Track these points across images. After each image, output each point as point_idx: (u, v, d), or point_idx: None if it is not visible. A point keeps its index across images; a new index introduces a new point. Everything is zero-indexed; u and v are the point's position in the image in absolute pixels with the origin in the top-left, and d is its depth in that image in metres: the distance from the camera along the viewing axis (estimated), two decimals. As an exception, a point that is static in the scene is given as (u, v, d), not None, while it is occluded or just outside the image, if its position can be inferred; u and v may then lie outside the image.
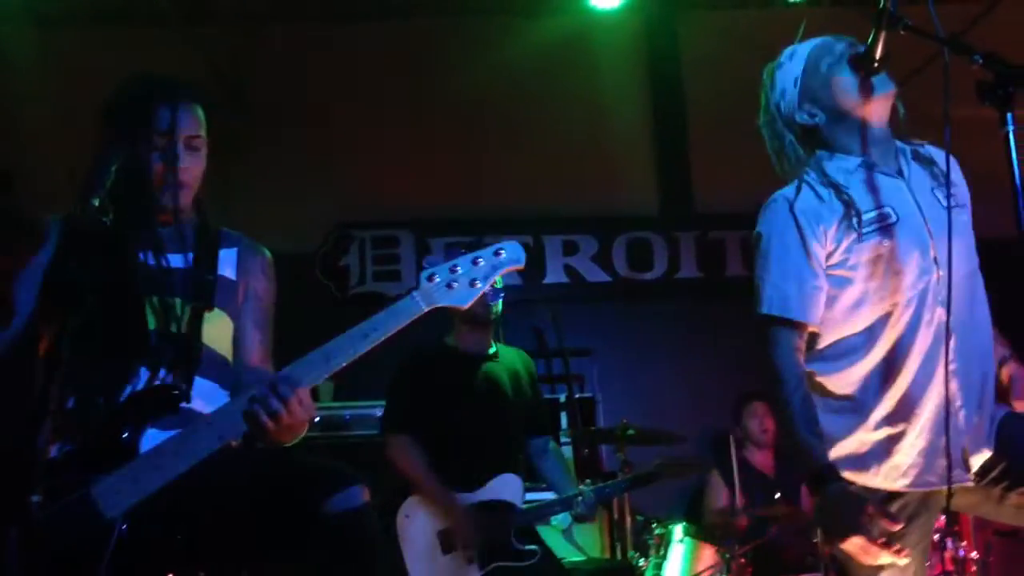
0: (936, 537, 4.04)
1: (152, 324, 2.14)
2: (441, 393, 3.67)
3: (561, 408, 5.19)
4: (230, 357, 2.29)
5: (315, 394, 5.62)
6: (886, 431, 2.22)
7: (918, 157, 2.34)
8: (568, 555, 4.28)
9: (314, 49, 6.21)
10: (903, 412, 2.21)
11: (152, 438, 2.02)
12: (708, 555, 4.35)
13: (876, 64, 2.18)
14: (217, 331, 2.25)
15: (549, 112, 6.20)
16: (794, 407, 2.20)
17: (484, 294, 2.13)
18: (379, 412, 4.93)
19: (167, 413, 2.04)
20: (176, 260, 2.24)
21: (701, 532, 4.43)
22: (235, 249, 2.37)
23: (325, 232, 6.05)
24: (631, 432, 4.34)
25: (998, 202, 2.13)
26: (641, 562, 4.36)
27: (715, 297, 6.06)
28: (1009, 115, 1.77)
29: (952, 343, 2.16)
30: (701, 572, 4.26)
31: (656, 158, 6.44)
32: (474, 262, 2.13)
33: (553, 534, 3.97)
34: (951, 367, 2.18)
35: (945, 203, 2.24)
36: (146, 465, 1.95)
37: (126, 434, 2.00)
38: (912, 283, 2.21)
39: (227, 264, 2.34)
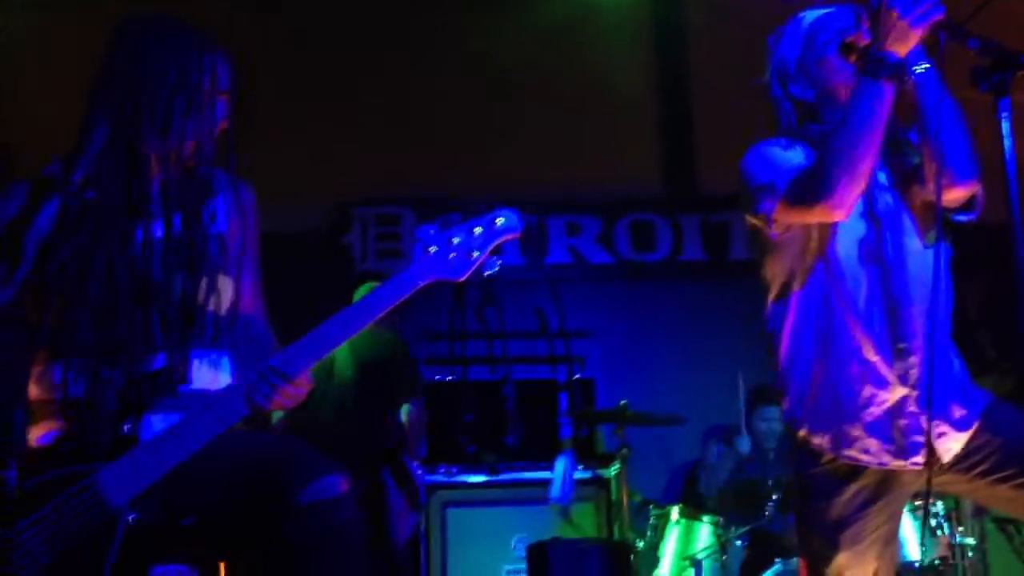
0: (934, 523, 4.05)
1: (146, 303, 2.05)
2: None
3: (561, 388, 5.20)
4: (234, 315, 2.18)
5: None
6: (833, 400, 2.24)
7: (894, 143, 2.33)
8: (564, 534, 4.30)
9: (318, 23, 6.17)
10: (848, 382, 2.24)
11: (152, 425, 1.98)
12: (704, 536, 4.36)
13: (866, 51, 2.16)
14: (217, 294, 2.15)
15: (553, 92, 6.15)
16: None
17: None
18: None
19: (166, 398, 1.99)
20: (163, 226, 2.12)
21: (698, 513, 4.44)
22: (221, 197, 2.22)
23: (328, 210, 6.05)
24: (629, 413, 4.35)
25: (993, 187, 2.12)
26: (640, 543, 4.38)
27: (718, 280, 6.04)
28: (1004, 101, 1.75)
29: (902, 317, 2.20)
30: (697, 553, 4.27)
31: (660, 140, 6.41)
32: (471, 231, 2.03)
33: (550, 514, 4.00)
34: (903, 344, 2.20)
35: (887, 183, 2.28)
36: (149, 452, 1.93)
37: (127, 425, 1.96)
38: (847, 252, 2.24)
39: (218, 216, 2.20)
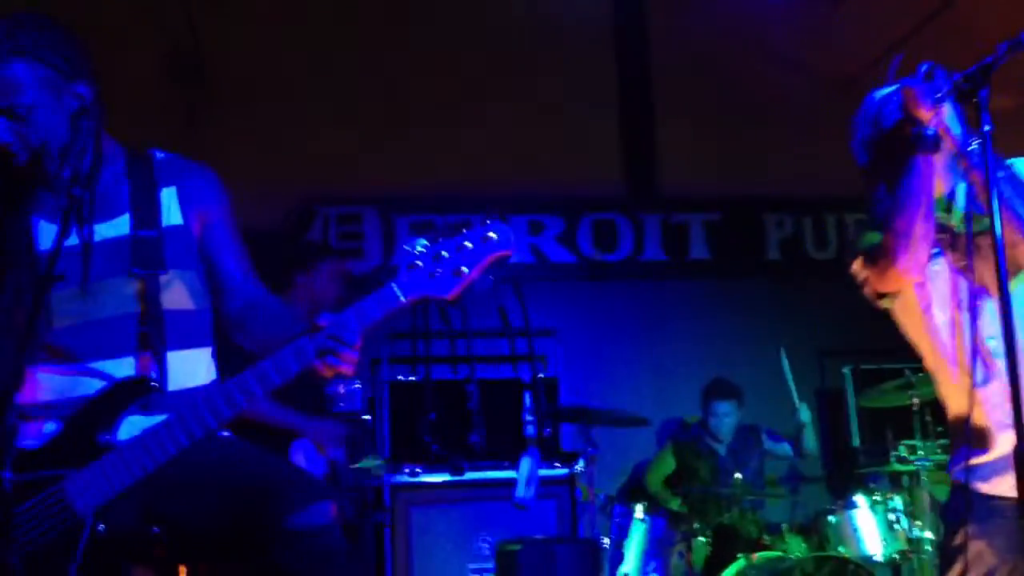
0: (893, 517, 4.13)
1: (105, 311, 1.99)
2: None
3: (525, 387, 5.21)
4: (198, 307, 2.11)
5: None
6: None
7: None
8: (531, 533, 4.30)
9: (276, 21, 6.10)
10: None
11: (131, 428, 1.95)
12: (668, 532, 4.40)
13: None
14: (177, 290, 2.06)
15: (515, 94, 6.16)
16: None
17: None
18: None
19: (145, 400, 1.96)
20: (111, 228, 2.04)
21: (661, 510, 4.47)
22: (173, 187, 2.11)
23: (288, 209, 6.00)
24: (595, 413, 4.37)
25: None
26: (605, 541, 4.40)
27: (678, 279, 6.10)
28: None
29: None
30: (662, 549, 4.31)
31: (622, 140, 6.45)
32: (460, 245, 1.93)
33: (515, 513, 3.98)
34: None
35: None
36: (117, 461, 1.91)
37: (100, 431, 1.93)
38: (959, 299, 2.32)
39: (170, 209, 2.09)
